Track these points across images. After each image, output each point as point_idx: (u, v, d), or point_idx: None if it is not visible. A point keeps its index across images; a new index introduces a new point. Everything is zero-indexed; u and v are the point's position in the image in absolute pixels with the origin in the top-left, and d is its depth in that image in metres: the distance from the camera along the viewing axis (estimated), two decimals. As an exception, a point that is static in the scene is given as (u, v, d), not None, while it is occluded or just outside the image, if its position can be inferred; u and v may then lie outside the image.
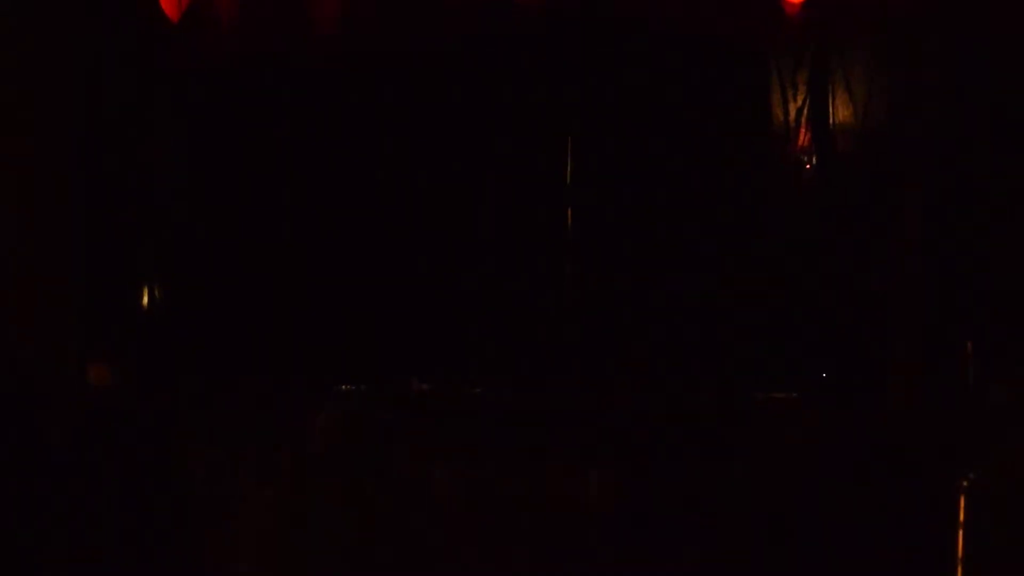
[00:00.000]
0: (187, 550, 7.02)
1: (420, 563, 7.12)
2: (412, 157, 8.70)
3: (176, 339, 8.76)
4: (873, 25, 8.11)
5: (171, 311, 8.93)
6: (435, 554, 7.10)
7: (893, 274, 8.02)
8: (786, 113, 8.30)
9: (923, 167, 8.08)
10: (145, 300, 8.91)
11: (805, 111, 8.26)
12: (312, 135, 8.84)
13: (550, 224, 8.54)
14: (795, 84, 8.30)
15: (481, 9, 8.19)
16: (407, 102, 8.70)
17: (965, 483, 6.32)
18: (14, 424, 7.35)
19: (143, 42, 8.64)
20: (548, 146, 8.56)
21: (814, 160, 8.27)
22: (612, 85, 8.44)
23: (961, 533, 6.29)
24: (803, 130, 8.28)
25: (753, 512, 6.94)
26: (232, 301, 8.84)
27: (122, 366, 8.04)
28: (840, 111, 8.26)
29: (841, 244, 8.11)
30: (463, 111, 8.64)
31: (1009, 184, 7.94)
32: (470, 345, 8.51)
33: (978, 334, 7.59)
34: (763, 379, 7.93)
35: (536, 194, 8.56)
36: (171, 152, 8.94)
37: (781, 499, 6.92)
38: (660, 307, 8.31)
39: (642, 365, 8.22)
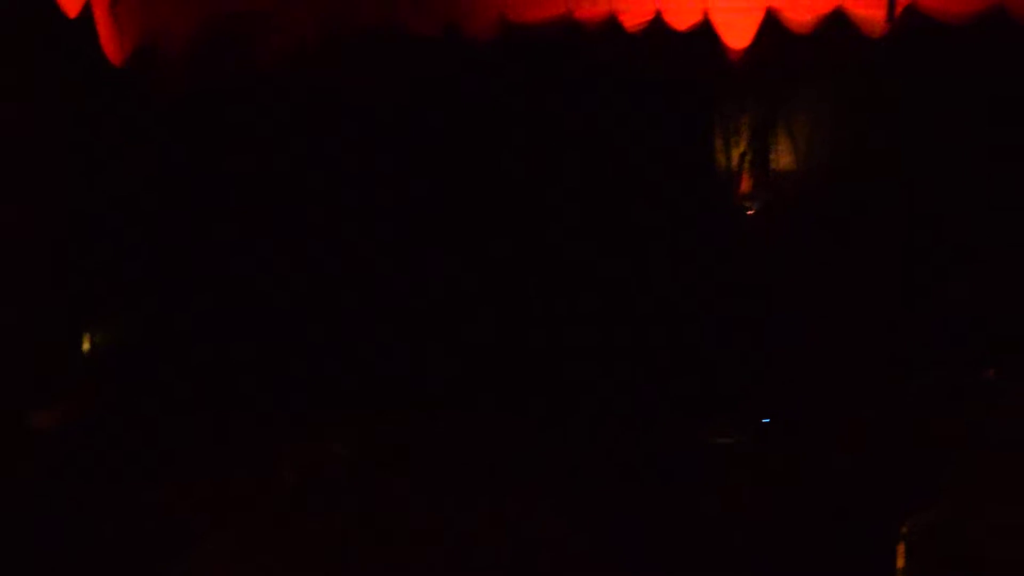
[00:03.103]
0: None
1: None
2: (363, 195, 8.72)
3: (128, 381, 8.70)
4: (814, 72, 8.24)
5: (122, 352, 8.87)
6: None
7: (837, 318, 8.10)
8: (728, 159, 8.38)
9: (865, 210, 8.19)
10: (92, 342, 8.86)
11: (748, 157, 8.35)
12: (273, 166, 8.83)
13: (495, 263, 8.58)
14: (737, 130, 8.39)
15: (429, 47, 8.25)
16: (361, 136, 8.72)
17: (904, 530, 6.32)
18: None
19: (88, 86, 8.61)
20: (486, 194, 8.60)
21: (756, 204, 8.35)
22: (555, 135, 8.50)
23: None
24: (745, 175, 8.36)
25: (691, 555, 6.93)
26: (184, 339, 8.79)
27: (67, 409, 7.98)
28: (782, 156, 8.35)
29: (784, 289, 8.19)
30: (413, 147, 8.67)
31: (952, 227, 8.06)
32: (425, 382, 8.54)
33: (922, 375, 7.66)
34: (705, 423, 7.97)
35: (480, 234, 8.61)
36: (133, 186, 8.90)
37: (719, 542, 6.92)
38: (607, 351, 8.36)
39: (589, 409, 8.25)
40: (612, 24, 8.18)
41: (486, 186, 8.66)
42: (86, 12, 8.10)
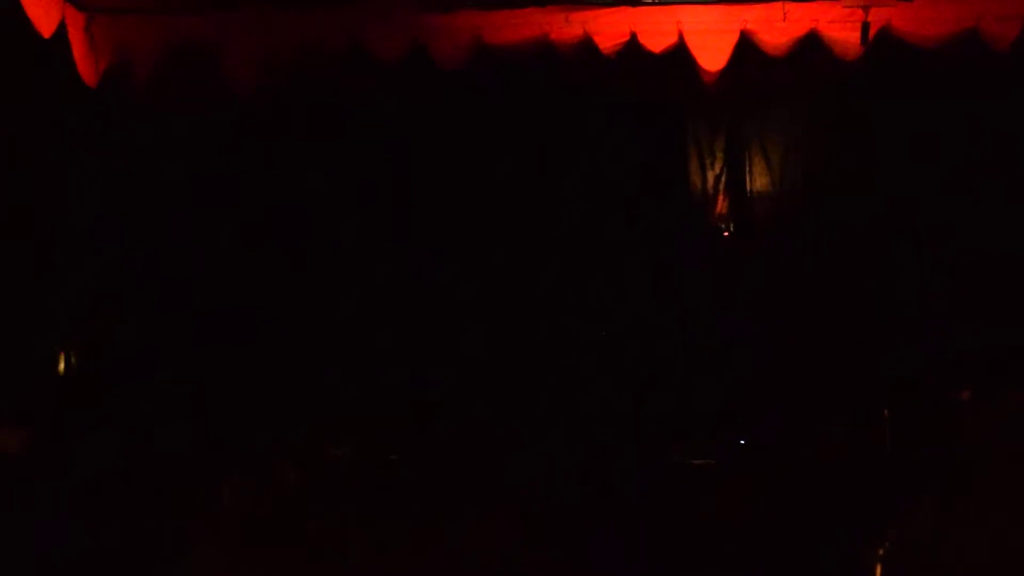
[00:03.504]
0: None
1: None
2: (329, 218, 8.68)
3: (89, 401, 8.61)
4: (789, 94, 8.29)
5: (87, 372, 8.80)
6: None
7: (815, 338, 8.11)
8: (704, 180, 8.41)
9: (839, 232, 8.22)
10: (62, 365, 8.79)
11: (723, 178, 8.37)
12: (231, 193, 8.77)
13: (466, 288, 8.54)
14: (712, 151, 8.42)
15: (394, 78, 8.26)
16: (341, 148, 8.69)
17: (881, 551, 6.31)
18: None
19: (63, 105, 8.57)
20: (461, 214, 8.58)
21: (731, 226, 8.37)
22: (530, 155, 8.49)
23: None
24: (720, 196, 8.39)
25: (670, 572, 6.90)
26: (150, 357, 8.71)
27: (32, 428, 7.93)
28: (757, 178, 8.38)
29: (759, 310, 8.19)
30: (381, 171, 8.63)
31: (925, 250, 8.10)
32: (384, 412, 8.46)
33: (897, 396, 7.67)
34: (680, 444, 7.94)
35: (450, 259, 8.57)
36: (89, 213, 8.84)
37: (697, 560, 6.89)
38: (578, 372, 8.33)
39: (561, 427, 8.21)
40: (587, 46, 8.22)
41: (461, 207, 8.62)
42: (60, 32, 8.09)
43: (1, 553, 6.72)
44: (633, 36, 8.20)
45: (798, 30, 8.12)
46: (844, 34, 8.08)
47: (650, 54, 8.21)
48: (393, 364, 8.46)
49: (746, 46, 8.14)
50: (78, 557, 6.82)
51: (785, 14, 8.10)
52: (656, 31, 8.23)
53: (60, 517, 7.06)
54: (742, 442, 7.94)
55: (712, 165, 8.40)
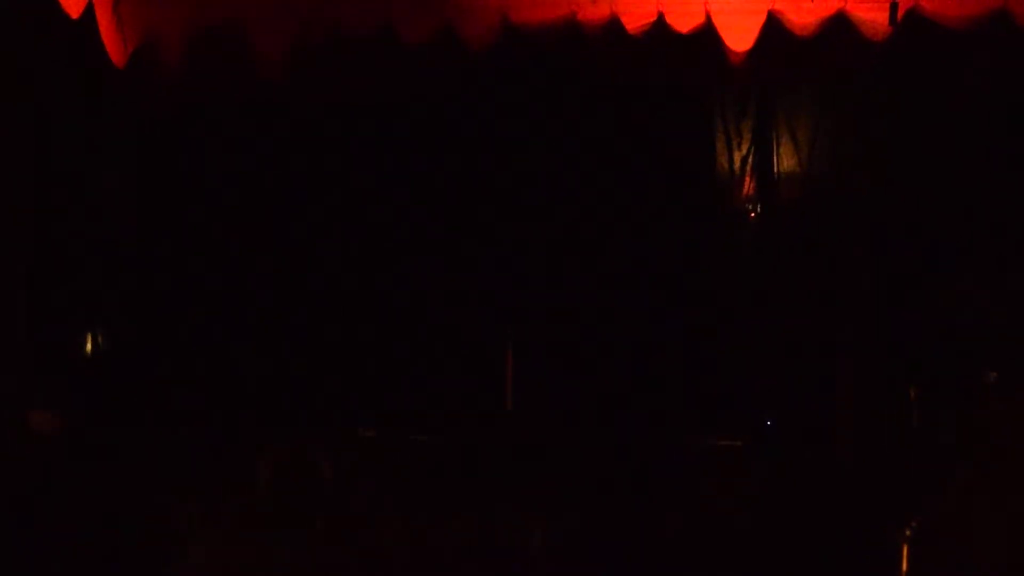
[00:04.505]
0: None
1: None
2: (356, 204, 8.69)
3: (120, 386, 8.66)
4: (817, 75, 8.26)
5: (116, 357, 8.83)
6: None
7: (839, 321, 8.11)
8: (731, 161, 8.40)
9: (868, 214, 8.21)
10: (89, 347, 8.82)
11: (750, 159, 8.36)
12: (254, 180, 8.78)
13: (494, 270, 8.56)
14: (740, 132, 8.40)
15: (422, 59, 8.24)
16: (351, 153, 8.69)
17: (908, 532, 6.33)
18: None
19: (91, 87, 8.57)
20: (487, 198, 8.60)
21: (758, 208, 8.37)
22: (557, 137, 8.48)
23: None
24: (748, 178, 8.38)
25: (694, 559, 6.93)
26: (178, 346, 8.75)
27: (65, 412, 7.96)
28: (784, 159, 8.36)
29: (787, 292, 8.19)
30: (404, 162, 8.63)
31: (954, 232, 8.07)
32: (414, 392, 8.49)
33: (923, 378, 7.67)
34: (708, 425, 7.97)
35: (478, 242, 8.59)
36: (118, 196, 8.87)
37: (722, 546, 6.92)
38: (604, 353, 8.34)
39: (588, 411, 8.24)
40: (614, 26, 8.20)
41: (487, 190, 8.63)
42: (88, 12, 8.10)
43: (34, 532, 6.78)
44: (660, 16, 8.17)
45: (825, 10, 8.06)
46: (872, 15, 8.02)
47: (677, 34, 8.18)
48: (421, 353, 8.51)
49: (773, 26, 8.08)
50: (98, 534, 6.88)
51: (812, -6, 8.07)
52: (683, 11, 8.19)
53: (91, 500, 7.12)
54: (769, 423, 7.97)
55: (739, 146, 8.38)
